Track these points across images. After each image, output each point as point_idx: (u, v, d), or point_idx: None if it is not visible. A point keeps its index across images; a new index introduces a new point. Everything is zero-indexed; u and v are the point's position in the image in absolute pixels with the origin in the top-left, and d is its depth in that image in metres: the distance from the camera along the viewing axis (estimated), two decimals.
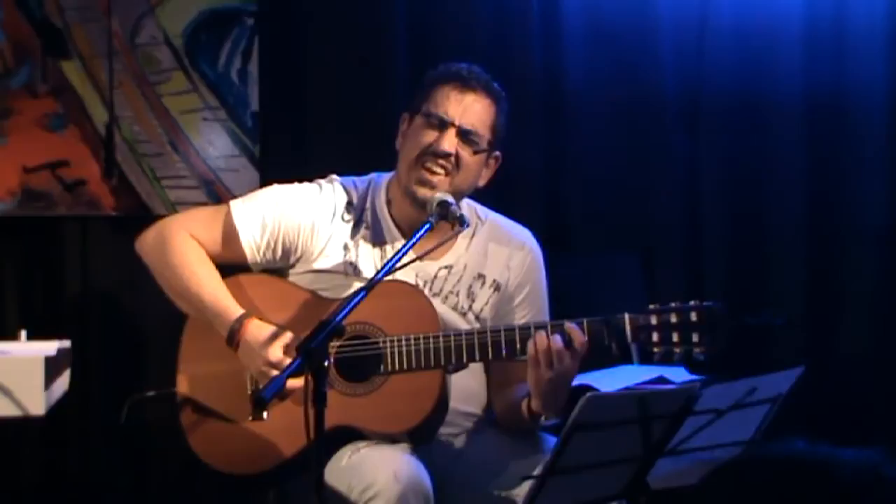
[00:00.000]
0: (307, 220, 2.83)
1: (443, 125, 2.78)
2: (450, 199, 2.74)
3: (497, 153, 2.88)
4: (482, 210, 2.96)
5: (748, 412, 2.37)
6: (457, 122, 2.78)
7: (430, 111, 2.79)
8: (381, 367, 2.69)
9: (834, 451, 3.50)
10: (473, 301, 2.87)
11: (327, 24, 4.05)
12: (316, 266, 2.83)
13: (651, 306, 2.67)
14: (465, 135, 2.78)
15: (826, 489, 3.44)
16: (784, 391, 2.41)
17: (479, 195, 3.00)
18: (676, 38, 4.11)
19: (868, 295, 4.10)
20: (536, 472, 2.29)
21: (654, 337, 2.65)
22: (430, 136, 2.78)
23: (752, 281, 4.11)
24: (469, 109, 2.80)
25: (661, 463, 2.35)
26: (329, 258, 2.83)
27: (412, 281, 2.80)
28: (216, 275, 2.79)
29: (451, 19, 4.06)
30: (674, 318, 2.65)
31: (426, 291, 2.82)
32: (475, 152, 2.80)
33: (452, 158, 2.77)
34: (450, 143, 2.76)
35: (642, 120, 4.12)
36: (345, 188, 2.88)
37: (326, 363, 2.26)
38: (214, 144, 4.03)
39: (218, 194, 3.97)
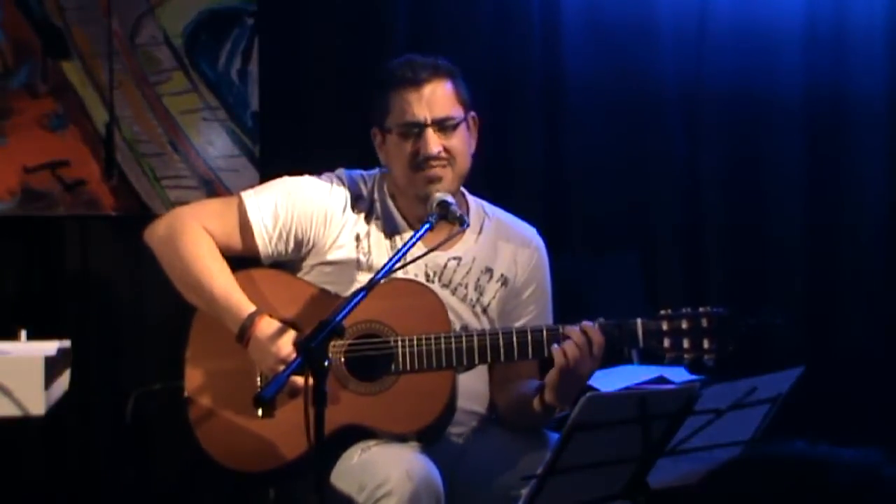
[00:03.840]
0: (320, 210, 2.83)
1: (419, 128, 2.78)
2: (449, 198, 2.74)
3: (472, 114, 2.88)
4: (489, 207, 2.97)
5: (748, 412, 2.37)
6: (429, 120, 2.78)
7: (399, 122, 2.80)
8: (392, 367, 2.69)
9: (834, 452, 3.49)
10: (481, 294, 2.87)
11: (327, 24, 4.05)
12: (328, 258, 2.83)
13: (662, 312, 2.68)
14: (440, 125, 2.79)
15: (826, 489, 3.44)
16: (784, 391, 2.41)
17: (479, 192, 3.01)
18: (676, 38, 4.12)
19: (868, 294, 4.10)
20: (537, 472, 2.28)
21: (666, 343, 2.68)
22: (411, 145, 2.79)
23: (752, 281, 4.11)
24: (432, 101, 2.79)
25: (661, 463, 2.35)
26: (342, 250, 2.83)
27: (422, 271, 2.80)
28: (227, 269, 2.78)
29: (451, 19, 4.06)
30: (685, 325, 2.67)
31: (436, 282, 2.83)
32: (456, 131, 2.80)
33: (443, 153, 2.78)
34: (433, 143, 2.77)
35: (642, 120, 4.13)
36: (354, 181, 2.89)
37: (327, 362, 2.26)
38: (214, 144, 4.03)
39: (218, 194, 3.96)
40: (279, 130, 4.06)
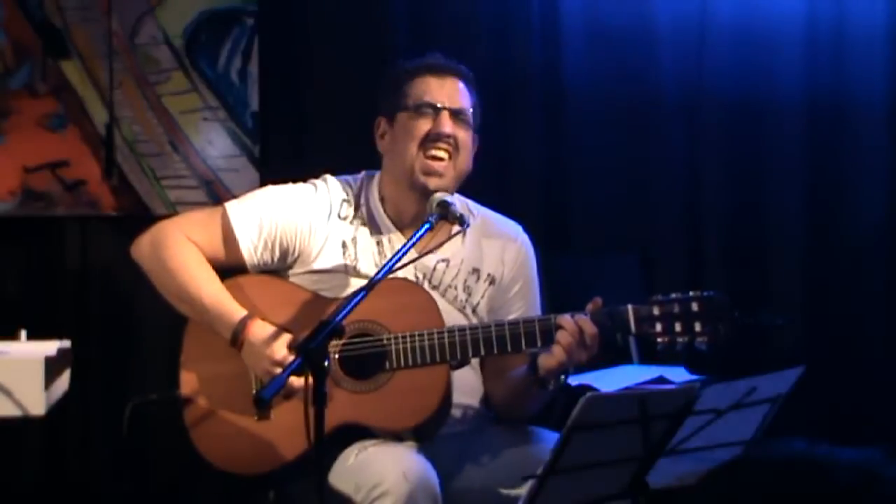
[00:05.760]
0: (304, 220, 2.83)
1: (435, 111, 2.80)
2: (449, 198, 2.74)
3: (476, 136, 2.90)
4: (473, 205, 2.97)
5: (748, 412, 2.37)
6: (447, 106, 2.80)
7: (418, 102, 2.81)
8: (387, 364, 2.69)
9: (833, 452, 3.50)
10: (470, 295, 2.88)
11: (327, 24, 4.05)
12: (315, 266, 2.83)
13: (653, 297, 2.67)
14: (457, 115, 2.81)
15: (826, 489, 3.44)
16: (784, 391, 2.41)
17: (479, 192, 3.01)
18: (676, 39, 4.12)
19: (868, 295, 4.10)
20: (537, 472, 2.29)
21: (658, 328, 2.66)
22: (425, 124, 2.80)
23: (752, 281, 4.11)
24: (453, 92, 2.82)
25: (661, 463, 2.35)
26: (328, 257, 2.83)
27: (410, 273, 2.80)
28: (215, 277, 2.78)
29: (451, 19, 4.07)
30: (676, 309, 2.66)
31: (426, 285, 2.83)
32: (468, 129, 2.83)
33: (452, 140, 2.79)
34: (448, 124, 2.79)
35: (642, 120, 4.13)
36: (339, 187, 2.89)
37: (327, 363, 2.27)
38: (214, 144, 4.03)
39: (218, 194, 3.97)
40: (279, 130, 4.06)
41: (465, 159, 2.83)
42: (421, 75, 2.84)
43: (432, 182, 2.78)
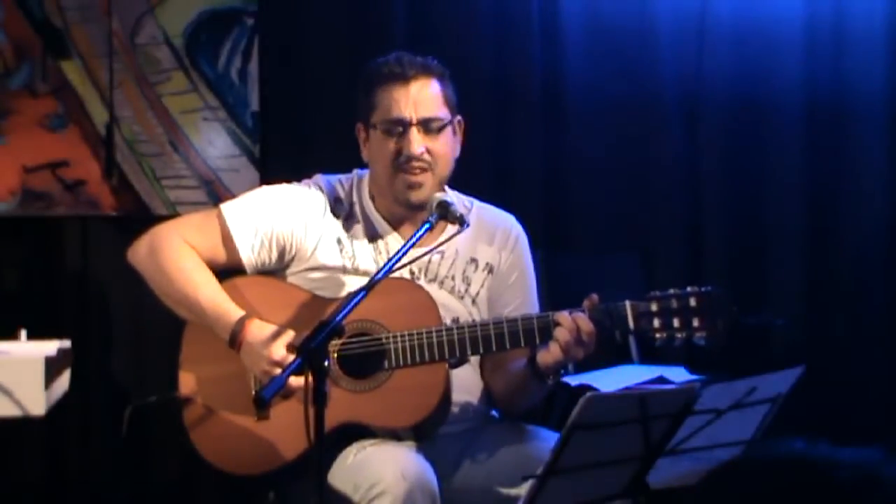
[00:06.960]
0: (299, 219, 2.84)
1: (402, 126, 2.78)
2: (448, 198, 2.74)
3: (458, 118, 2.87)
4: (467, 199, 2.97)
5: (748, 412, 2.37)
6: (414, 119, 2.77)
7: (384, 119, 2.79)
8: (385, 363, 2.69)
9: (833, 451, 3.50)
10: (469, 285, 2.88)
11: (327, 24, 4.05)
12: (312, 264, 2.83)
13: (651, 293, 2.67)
14: (426, 125, 2.78)
15: (825, 489, 3.44)
16: (784, 391, 2.41)
17: (480, 193, 3.01)
18: (676, 39, 4.12)
19: (868, 295, 4.10)
20: (537, 472, 2.28)
21: (656, 323, 2.66)
22: (393, 144, 2.78)
23: (752, 281, 4.11)
24: (418, 99, 2.78)
25: (661, 463, 2.35)
26: (324, 256, 2.83)
27: (406, 268, 2.80)
28: (213, 279, 2.78)
29: (451, 19, 4.06)
30: (674, 304, 2.66)
31: (423, 279, 2.84)
32: (441, 134, 2.80)
33: (426, 155, 2.77)
34: (417, 143, 2.76)
35: (642, 120, 4.13)
36: (332, 186, 2.90)
37: (327, 363, 2.27)
38: (214, 144, 4.03)
39: (218, 194, 3.97)
40: (279, 130, 4.06)
41: (444, 166, 2.82)
42: (384, 84, 2.79)
43: (414, 196, 2.79)
